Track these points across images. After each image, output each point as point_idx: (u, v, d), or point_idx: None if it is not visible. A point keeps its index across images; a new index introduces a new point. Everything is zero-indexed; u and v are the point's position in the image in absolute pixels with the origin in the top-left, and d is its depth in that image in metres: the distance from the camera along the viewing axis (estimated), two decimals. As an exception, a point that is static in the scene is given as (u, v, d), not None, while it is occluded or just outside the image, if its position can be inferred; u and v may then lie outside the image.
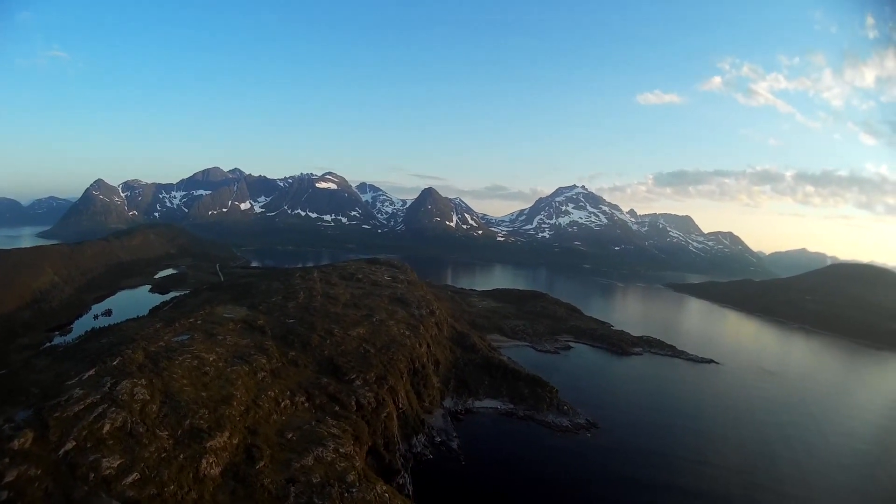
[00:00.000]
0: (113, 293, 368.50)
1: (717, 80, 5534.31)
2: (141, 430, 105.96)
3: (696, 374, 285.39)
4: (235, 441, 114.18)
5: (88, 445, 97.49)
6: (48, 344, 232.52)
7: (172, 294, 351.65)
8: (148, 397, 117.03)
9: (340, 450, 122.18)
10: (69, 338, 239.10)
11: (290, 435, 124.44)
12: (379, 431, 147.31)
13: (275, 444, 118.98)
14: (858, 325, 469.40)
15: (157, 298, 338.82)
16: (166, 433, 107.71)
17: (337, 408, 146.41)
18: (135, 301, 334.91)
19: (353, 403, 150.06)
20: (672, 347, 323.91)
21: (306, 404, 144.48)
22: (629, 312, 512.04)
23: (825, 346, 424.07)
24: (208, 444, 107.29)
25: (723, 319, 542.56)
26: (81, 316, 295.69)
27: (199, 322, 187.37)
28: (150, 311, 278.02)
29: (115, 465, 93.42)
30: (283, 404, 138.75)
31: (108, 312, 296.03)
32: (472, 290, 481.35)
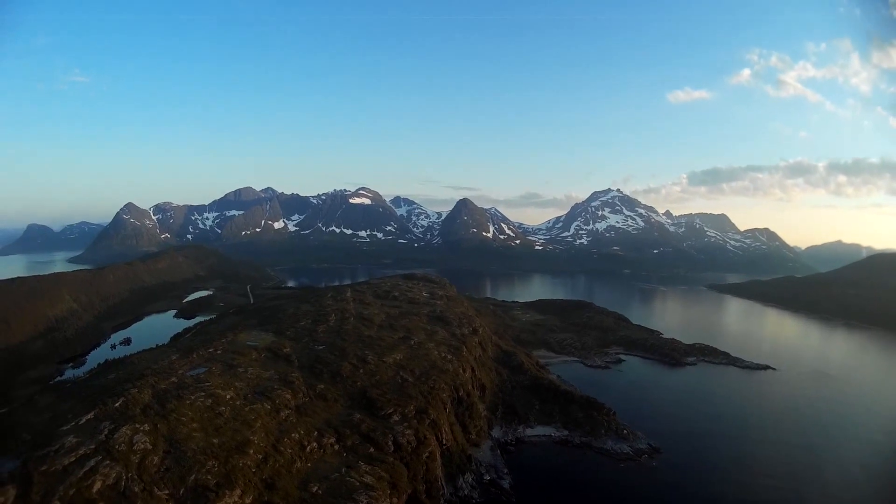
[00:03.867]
0: (136, 319, 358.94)
1: (746, 72, 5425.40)
2: (136, 488, 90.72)
3: (754, 382, 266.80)
4: (249, 500, 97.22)
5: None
6: (58, 378, 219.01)
7: (198, 319, 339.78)
8: (149, 447, 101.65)
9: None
10: (82, 370, 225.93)
11: (316, 488, 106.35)
12: (420, 475, 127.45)
13: (296, 501, 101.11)
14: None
15: (181, 324, 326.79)
16: (166, 492, 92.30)
17: (371, 449, 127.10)
18: (157, 328, 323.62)
19: (390, 443, 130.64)
20: (726, 354, 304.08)
21: (336, 446, 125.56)
22: (675, 318, 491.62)
23: (875, 343, 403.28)
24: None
25: (769, 319, 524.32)
26: (99, 345, 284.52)
27: (218, 352, 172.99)
28: (171, 339, 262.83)
29: (102, 535, 78.66)
30: (308, 448, 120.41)
31: (126, 341, 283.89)
32: (513, 302, 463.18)
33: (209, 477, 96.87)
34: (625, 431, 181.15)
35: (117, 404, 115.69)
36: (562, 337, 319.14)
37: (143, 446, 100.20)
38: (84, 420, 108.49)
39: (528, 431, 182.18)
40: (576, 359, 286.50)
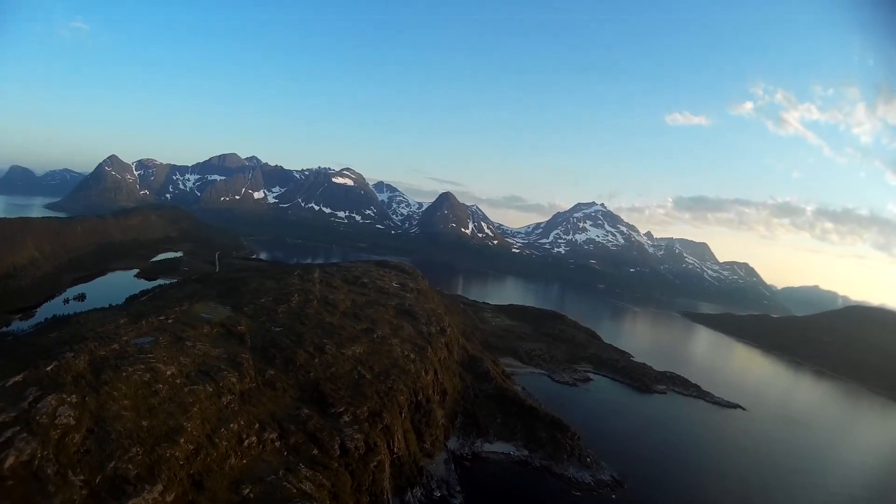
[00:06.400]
0: (98, 275, 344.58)
1: (749, 105, 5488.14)
2: (50, 470, 79.57)
3: (723, 420, 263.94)
4: (170, 498, 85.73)
5: (-17, 485, 73.32)
6: (4, 328, 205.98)
7: (159, 282, 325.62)
8: (72, 422, 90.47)
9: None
10: (29, 324, 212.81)
11: (248, 490, 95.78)
12: (365, 486, 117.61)
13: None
14: (877, 372, 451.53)
15: (141, 285, 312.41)
16: (81, 478, 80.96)
17: (315, 451, 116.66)
18: (116, 286, 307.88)
19: (337, 447, 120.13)
20: (697, 387, 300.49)
21: (277, 443, 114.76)
22: (647, 341, 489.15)
23: (842, 394, 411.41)
24: (131, 503, 79.49)
25: (741, 355, 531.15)
26: (54, 297, 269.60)
27: (169, 321, 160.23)
28: (125, 300, 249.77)
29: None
30: (246, 442, 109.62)
31: (81, 297, 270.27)
32: (485, 303, 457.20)
33: (130, 466, 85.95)
34: (588, 459, 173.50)
35: (49, 368, 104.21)
36: (531, 346, 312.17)
37: (65, 421, 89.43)
38: (10, 383, 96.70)
39: (487, 447, 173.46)
40: (543, 371, 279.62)
